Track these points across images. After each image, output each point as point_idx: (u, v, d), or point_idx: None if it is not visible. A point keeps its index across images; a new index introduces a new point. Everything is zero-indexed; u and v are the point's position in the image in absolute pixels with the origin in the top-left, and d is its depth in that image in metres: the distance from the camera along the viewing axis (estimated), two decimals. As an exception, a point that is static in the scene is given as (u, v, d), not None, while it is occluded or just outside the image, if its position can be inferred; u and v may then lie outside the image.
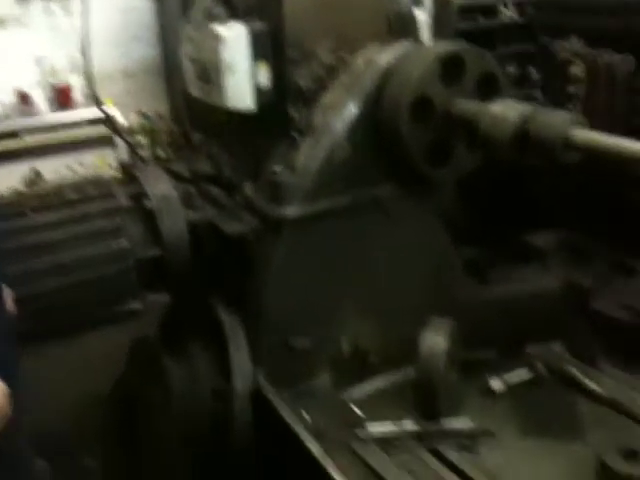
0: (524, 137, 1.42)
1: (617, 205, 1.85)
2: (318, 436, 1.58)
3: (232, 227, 1.76)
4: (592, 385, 1.64)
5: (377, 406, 1.69)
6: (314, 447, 1.54)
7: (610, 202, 1.86)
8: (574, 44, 1.85)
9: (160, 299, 2.12)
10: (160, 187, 1.78)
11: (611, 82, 1.76)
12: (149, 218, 1.73)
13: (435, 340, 1.58)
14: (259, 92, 1.87)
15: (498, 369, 1.75)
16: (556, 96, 1.88)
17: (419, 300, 1.82)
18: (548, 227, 2.02)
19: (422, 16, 1.90)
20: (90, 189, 1.80)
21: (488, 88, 1.66)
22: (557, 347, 1.82)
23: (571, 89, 1.82)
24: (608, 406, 1.59)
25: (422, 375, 1.58)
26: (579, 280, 1.87)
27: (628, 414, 1.56)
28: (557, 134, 1.36)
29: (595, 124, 1.50)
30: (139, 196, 1.77)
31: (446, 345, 1.58)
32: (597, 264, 1.88)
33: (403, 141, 1.66)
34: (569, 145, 1.34)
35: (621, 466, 1.35)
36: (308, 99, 1.85)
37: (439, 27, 1.93)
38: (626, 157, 1.26)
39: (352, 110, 1.73)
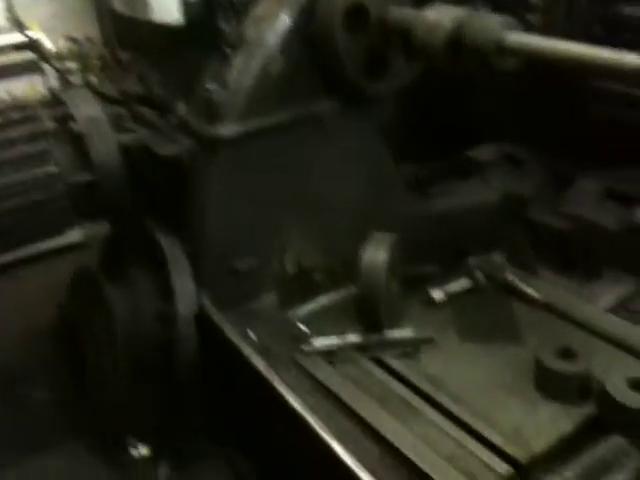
0: (458, 43, 1.39)
1: (554, 115, 1.86)
2: (263, 353, 1.60)
3: (166, 149, 1.70)
4: (529, 290, 1.69)
5: (322, 322, 1.70)
6: (259, 363, 1.55)
7: (547, 112, 1.86)
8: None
9: (102, 230, 2.08)
10: (87, 109, 1.69)
11: None
12: (77, 142, 1.66)
13: (375, 254, 1.59)
14: (186, 4, 1.77)
15: (440, 280, 1.78)
16: (516, 6, 1.83)
17: (360, 216, 1.82)
18: (489, 141, 2.02)
19: None
20: (13, 113, 1.71)
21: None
22: (497, 257, 1.85)
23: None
24: (544, 310, 1.64)
25: (363, 288, 1.59)
26: (517, 191, 1.89)
27: (563, 316, 1.61)
28: (490, 38, 1.33)
29: (555, 34, 1.50)
30: (66, 119, 1.69)
31: (386, 258, 1.59)
32: (535, 175, 1.89)
33: (338, 53, 1.61)
34: (503, 49, 1.32)
35: (556, 364, 1.40)
36: (239, 11, 1.77)
37: None
38: (561, 59, 1.24)
39: (285, 21, 1.66)
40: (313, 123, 1.76)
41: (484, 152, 2.00)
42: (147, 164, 1.74)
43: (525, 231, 1.85)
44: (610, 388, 1.33)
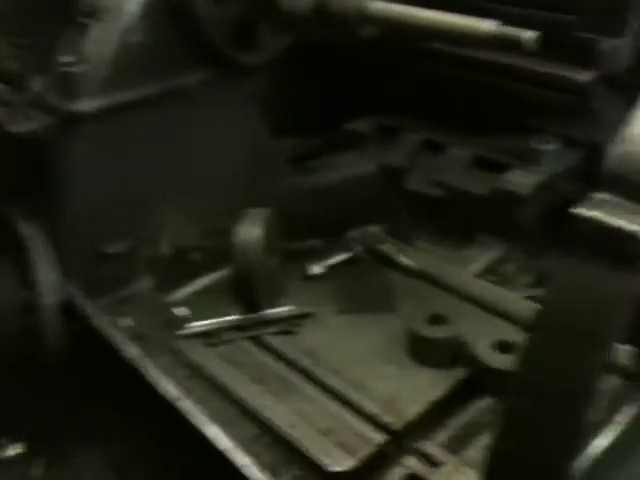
0: (323, 11, 1.36)
1: (424, 83, 1.87)
2: (137, 339, 1.54)
3: (20, 126, 1.57)
4: (405, 260, 1.71)
5: (201, 305, 1.65)
6: (132, 350, 1.48)
7: (417, 80, 1.88)
8: None
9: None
10: None
11: None
12: None
13: (250, 231, 1.55)
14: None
15: (321, 255, 1.77)
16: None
17: (238, 193, 1.77)
18: (366, 112, 2.01)
19: None
20: None
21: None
22: (375, 229, 1.86)
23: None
24: (419, 278, 1.67)
25: (239, 267, 1.55)
26: (392, 161, 1.90)
27: (436, 283, 1.65)
28: (353, 6, 1.31)
29: None
30: None
31: (261, 235, 1.55)
32: (410, 145, 1.91)
33: (201, 22, 1.54)
34: (365, 17, 1.30)
35: (427, 331, 1.43)
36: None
37: None
38: (419, 27, 1.24)
39: (145, -13, 1.57)
40: (183, 96, 1.68)
41: (361, 124, 2.00)
42: (1, 144, 1.61)
43: (402, 201, 1.87)
44: (478, 351, 1.37)
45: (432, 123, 1.91)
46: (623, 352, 1.27)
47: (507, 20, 1.41)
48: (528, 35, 1.11)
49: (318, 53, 1.86)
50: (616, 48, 1.53)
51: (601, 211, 0.83)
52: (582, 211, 0.84)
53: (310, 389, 1.39)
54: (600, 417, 1.17)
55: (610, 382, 1.27)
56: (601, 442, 1.14)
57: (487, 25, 1.14)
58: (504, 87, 1.73)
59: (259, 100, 1.80)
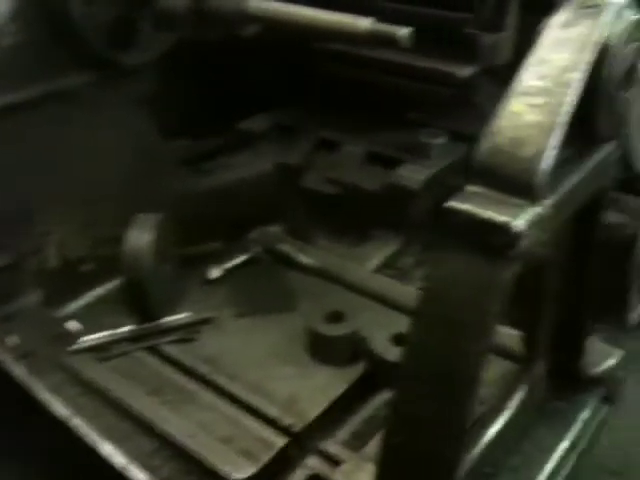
0: (200, 10, 1.32)
1: (316, 80, 1.87)
2: (25, 358, 1.46)
3: None
4: (303, 259, 1.71)
5: (94, 317, 1.58)
6: (18, 370, 1.41)
7: (309, 78, 1.88)
8: None
9: None
10: None
11: None
12: None
13: (139, 238, 1.50)
14: None
15: (220, 258, 1.74)
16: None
17: (128, 197, 1.71)
18: (260, 110, 1.99)
19: None
20: None
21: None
22: (274, 229, 1.85)
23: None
24: (318, 276, 1.67)
25: (130, 276, 1.50)
26: (288, 160, 1.89)
27: (335, 280, 1.65)
28: (232, 5, 1.28)
29: None
30: None
31: (152, 241, 1.50)
32: (305, 142, 1.90)
33: (77, 24, 1.47)
34: (244, 16, 1.28)
35: (324, 329, 1.43)
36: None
37: None
38: (299, 25, 1.23)
39: (12, -14, 1.49)
40: (65, 98, 1.60)
41: (255, 123, 1.97)
42: None
43: (299, 200, 1.86)
44: (375, 345, 1.38)
45: (327, 120, 1.91)
46: (511, 336, 1.32)
47: (389, 16, 1.44)
48: (402, 32, 1.12)
49: (207, 50, 1.82)
50: (497, 43, 1.58)
51: (472, 203, 0.85)
52: (454, 204, 0.86)
53: (209, 397, 1.36)
54: (492, 403, 1.21)
55: (500, 367, 1.31)
56: (495, 428, 1.18)
57: (364, 22, 1.15)
58: (392, 84, 1.75)
59: (146, 101, 1.74)
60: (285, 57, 1.91)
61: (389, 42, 1.13)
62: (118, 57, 1.58)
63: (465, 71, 1.59)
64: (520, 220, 0.82)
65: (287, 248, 1.75)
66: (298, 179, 1.89)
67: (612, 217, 1.59)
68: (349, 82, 1.85)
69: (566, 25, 0.88)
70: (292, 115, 1.96)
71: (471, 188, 0.88)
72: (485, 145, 0.88)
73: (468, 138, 1.72)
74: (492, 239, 0.83)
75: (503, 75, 1.73)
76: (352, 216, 1.83)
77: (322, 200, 1.84)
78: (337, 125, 1.89)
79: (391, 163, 1.75)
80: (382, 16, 1.53)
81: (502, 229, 0.82)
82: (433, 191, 1.64)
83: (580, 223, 1.07)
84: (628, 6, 0.93)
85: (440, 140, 1.69)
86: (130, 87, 1.72)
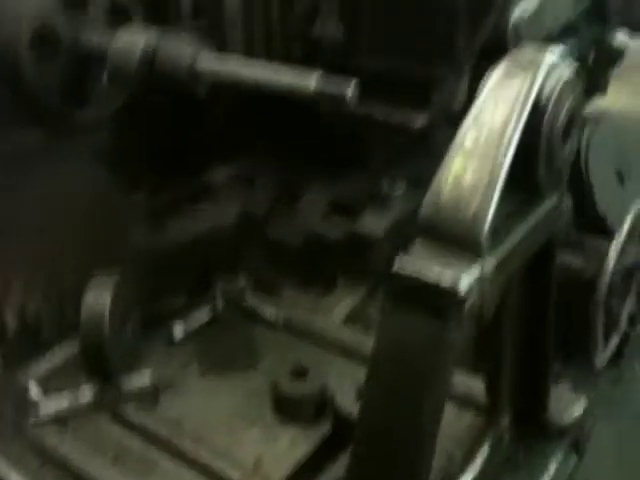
0: (151, 68, 1.32)
1: (277, 129, 1.88)
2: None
3: None
4: (268, 313, 1.69)
5: (56, 381, 1.54)
6: (-27, 443, 1.36)
7: (270, 126, 1.88)
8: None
9: None
10: None
11: (265, 12, 1.71)
12: None
13: (96, 299, 1.47)
14: None
15: (183, 314, 1.71)
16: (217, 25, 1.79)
17: (91, 255, 1.69)
18: (223, 159, 1.99)
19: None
20: None
21: (120, 16, 1.53)
22: (240, 281, 1.83)
23: (226, 20, 1.74)
24: (283, 330, 1.65)
25: (86, 339, 1.46)
26: (252, 210, 1.88)
27: (301, 334, 1.63)
28: (182, 64, 1.29)
29: (256, 53, 1.53)
30: None
31: (110, 302, 1.47)
32: (269, 191, 1.90)
33: (27, 81, 1.46)
34: (195, 75, 1.28)
35: (289, 386, 1.40)
36: None
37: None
38: (249, 84, 1.24)
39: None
40: (19, 157, 1.59)
41: (217, 173, 1.97)
42: None
43: (264, 251, 1.85)
44: (341, 402, 1.36)
45: (288, 169, 1.92)
46: (476, 386, 1.31)
47: (345, 67, 1.45)
48: (349, 89, 1.13)
49: (165, 101, 1.82)
50: (453, 89, 1.60)
51: (417, 263, 0.84)
52: (400, 264, 0.85)
53: (172, 464, 1.32)
54: (458, 458, 1.19)
55: (466, 419, 1.29)
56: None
57: (311, 81, 1.15)
58: (351, 132, 1.76)
59: (104, 155, 1.73)
60: (243, 106, 1.92)
61: (336, 99, 1.13)
62: (72, 114, 1.57)
63: (420, 119, 1.60)
64: (465, 280, 0.81)
65: (252, 302, 1.72)
66: (262, 229, 1.88)
67: (573, 259, 1.60)
68: (307, 129, 1.86)
69: (502, 82, 0.89)
70: (254, 164, 1.96)
71: (417, 246, 0.87)
72: (428, 203, 0.88)
73: (428, 183, 1.73)
74: (438, 301, 0.82)
75: (460, 119, 1.77)
76: (317, 266, 1.82)
77: (286, 250, 1.83)
78: (299, 173, 1.90)
79: (353, 212, 1.76)
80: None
81: (447, 291, 0.81)
82: (394, 239, 1.64)
83: (533, 271, 1.07)
84: (563, 60, 0.94)
85: (400, 188, 1.69)
86: (86, 143, 1.70)
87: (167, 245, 1.84)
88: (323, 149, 1.86)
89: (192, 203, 1.94)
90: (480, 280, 0.83)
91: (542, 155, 0.90)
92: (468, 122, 0.88)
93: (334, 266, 1.79)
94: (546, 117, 0.89)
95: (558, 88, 0.90)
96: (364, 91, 1.52)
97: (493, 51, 1.76)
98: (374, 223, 1.67)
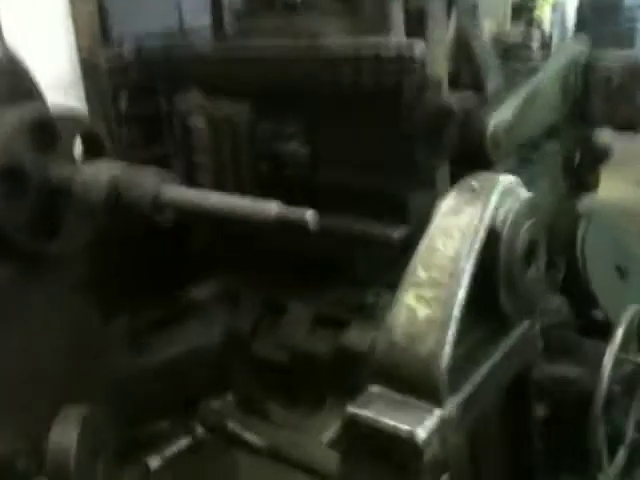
0: (116, 200, 1.32)
1: (259, 247, 1.86)
2: None
3: None
4: (252, 438, 1.61)
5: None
6: None
7: (251, 245, 1.86)
8: (194, 97, 1.81)
9: None
10: None
11: (233, 132, 1.74)
12: None
13: (63, 435, 1.40)
14: None
15: (162, 443, 1.63)
16: (186, 151, 1.83)
17: (64, 385, 1.63)
18: (205, 277, 1.96)
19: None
20: None
21: (91, 150, 1.55)
22: (225, 402, 1.76)
23: (195, 141, 1.78)
24: (268, 456, 1.56)
25: (53, 477, 1.38)
26: (238, 327, 1.83)
27: (285, 460, 1.54)
28: (146, 194, 1.28)
29: (224, 174, 1.55)
30: None
31: (78, 439, 1.40)
32: (253, 308, 1.86)
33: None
34: (159, 204, 1.28)
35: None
36: None
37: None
38: (211, 212, 1.22)
39: None
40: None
41: (201, 290, 1.94)
42: None
43: (249, 369, 1.79)
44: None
45: (273, 282, 1.88)
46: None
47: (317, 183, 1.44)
48: (309, 214, 1.11)
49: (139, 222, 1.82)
50: (427, 203, 1.58)
51: (372, 409, 0.78)
52: (355, 409, 0.79)
53: None
54: None
55: None
56: None
57: (272, 208, 1.13)
58: (332, 246, 1.73)
59: (80, 284, 1.70)
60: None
61: (297, 225, 1.11)
62: (42, 247, 1.55)
63: (400, 230, 1.58)
64: (423, 429, 0.75)
65: (235, 426, 1.65)
66: (247, 347, 1.82)
67: (569, 369, 1.52)
68: (287, 244, 1.83)
69: (455, 210, 0.86)
70: (237, 279, 1.92)
71: (373, 389, 0.82)
72: (381, 342, 0.83)
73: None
74: (395, 450, 0.76)
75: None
76: (305, 383, 1.74)
77: (273, 368, 1.76)
78: (284, 287, 1.86)
79: (339, 325, 1.70)
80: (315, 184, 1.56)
81: (404, 441, 0.75)
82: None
83: (509, 403, 1.00)
84: (518, 185, 0.91)
85: (384, 299, 1.64)
86: (59, 274, 1.68)
87: (147, 369, 1.78)
88: (306, 261, 1.83)
89: (175, 322, 1.90)
90: (441, 426, 0.76)
91: (502, 283, 0.86)
92: (420, 252, 0.85)
93: (321, 383, 1.71)
94: (502, 243, 0.85)
95: (513, 213, 0.86)
96: (337, 205, 1.52)
97: (473, 158, 1.78)
98: (360, 336, 1.61)
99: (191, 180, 1.68)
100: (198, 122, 1.79)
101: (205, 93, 1.81)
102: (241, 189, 1.53)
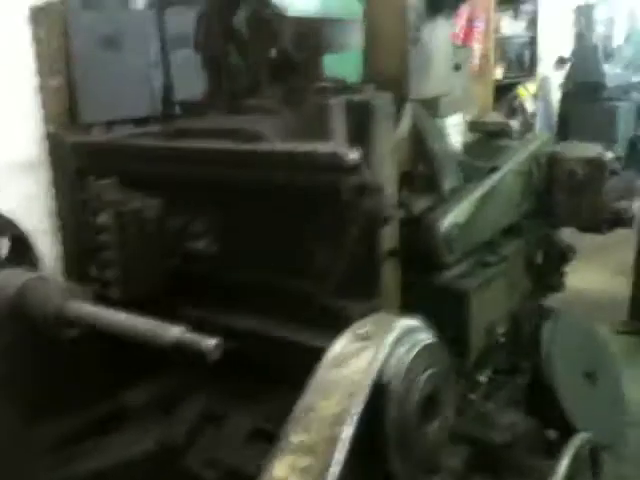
0: (20, 311, 1.23)
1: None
2: None
3: None
4: None
5: None
6: None
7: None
8: (106, 191, 1.73)
9: None
10: None
11: (140, 227, 1.66)
12: None
13: None
14: None
15: None
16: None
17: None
18: (141, 381, 1.84)
19: None
20: None
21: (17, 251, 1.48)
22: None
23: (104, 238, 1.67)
24: None
25: None
26: (171, 437, 1.71)
27: None
28: (49, 308, 1.20)
29: (136, 273, 1.47)
30: None
31: None
32: (187, 415, 1.73)
33: None
34: (62, 319, 1.19)
35: None
36: None
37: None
38: (113, 330, 1.13)
39: None
40: None
41: (133, 394, 1.81)
42: None
43: (179, 484, 1.65)
44: None
45: (212, 387, 1.77)
46: None
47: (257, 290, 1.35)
48: (209, 343, 1.02)
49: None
50: (365, 312, 1.49)
51: None
52: None
53: None
54: None
55: None
56: None
57: (173, 332, 1.05)
58: (266, 351, 1.64)
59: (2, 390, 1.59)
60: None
61: (196, 353, 1.02)
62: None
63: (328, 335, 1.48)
64: None
65: None
66: (180, 459, 1.69)
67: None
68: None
69: (339, 362, 0.76)
70: (174, 383, 1.81)
71: None
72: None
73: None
74: None
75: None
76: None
77: (204, 486, 1.63)
78: (223, 393, 1.74)
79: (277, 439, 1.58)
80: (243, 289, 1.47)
81: None
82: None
83: None
84: (420, 329, 0.82)
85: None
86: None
87: (78, 477, 1.65)
88: (245, 367, 1.73)
89: (106, 429, 1.77)
90: None
91: (393, 445, 0.75)
92: (298, 411, 0.75)
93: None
94: (391, 400, 0.75)
95: (408, 363, 0.77)
96: (263, 308, 1.43)
97: (425, 261, 1.69)
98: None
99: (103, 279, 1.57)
100: (105, 219, 1.69)
101: (123, 185, 1.73)
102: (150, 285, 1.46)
